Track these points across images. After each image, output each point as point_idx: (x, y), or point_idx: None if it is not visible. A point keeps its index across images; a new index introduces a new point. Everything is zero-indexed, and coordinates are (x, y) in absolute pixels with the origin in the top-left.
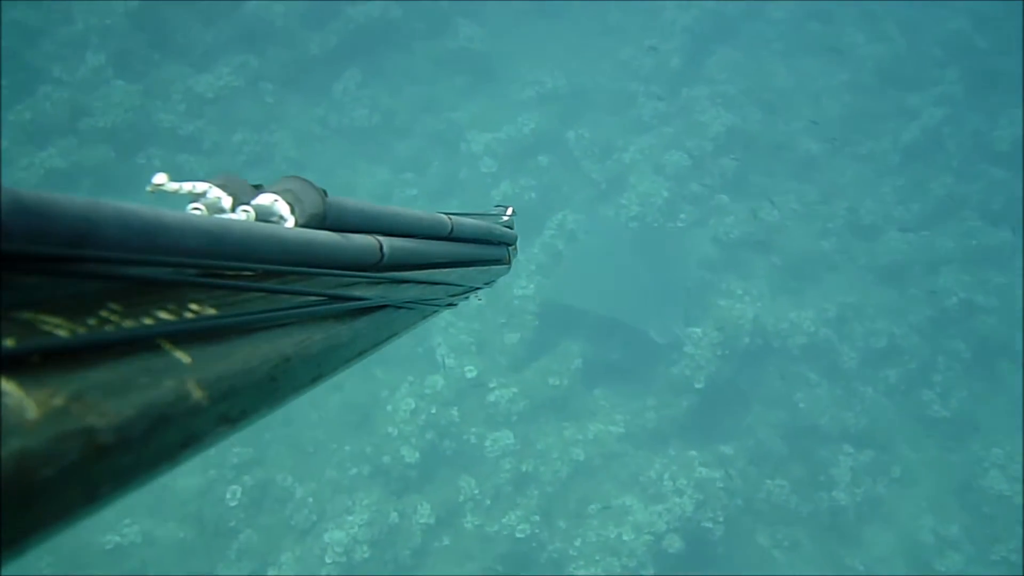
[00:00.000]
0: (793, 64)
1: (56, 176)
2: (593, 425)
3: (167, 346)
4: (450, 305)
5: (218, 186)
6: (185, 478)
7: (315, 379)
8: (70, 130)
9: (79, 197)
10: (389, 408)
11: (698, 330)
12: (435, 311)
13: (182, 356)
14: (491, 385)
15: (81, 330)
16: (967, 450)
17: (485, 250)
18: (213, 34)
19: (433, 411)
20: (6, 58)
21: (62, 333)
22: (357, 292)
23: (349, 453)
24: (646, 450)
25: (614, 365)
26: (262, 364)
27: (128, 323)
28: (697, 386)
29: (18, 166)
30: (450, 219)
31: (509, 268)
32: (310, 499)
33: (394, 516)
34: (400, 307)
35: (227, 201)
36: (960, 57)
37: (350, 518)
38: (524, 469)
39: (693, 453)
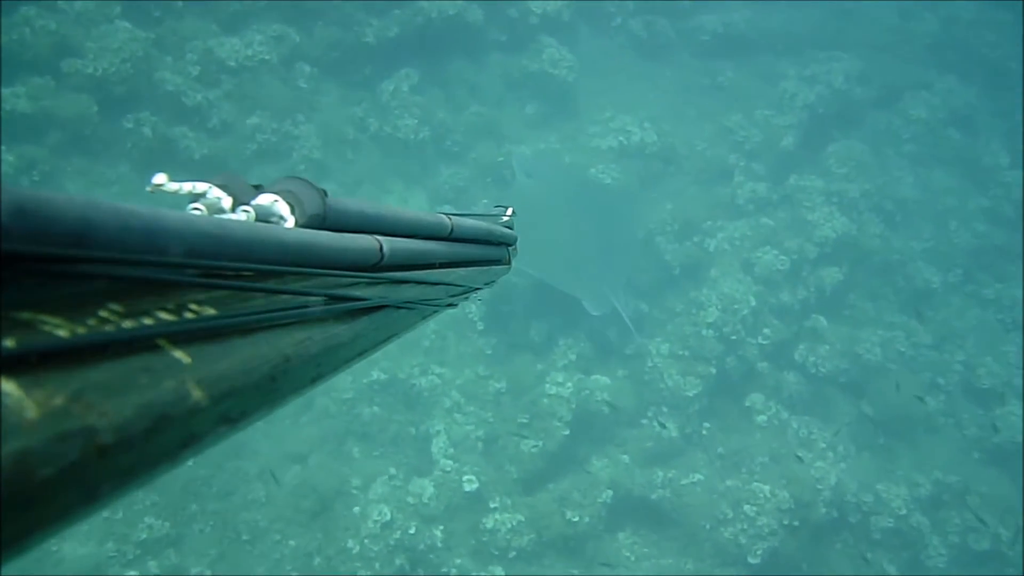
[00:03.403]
0: (923, 174)
1: (16, 121)
2: None
3: (167, 346)
4: (450, 305)
5: (218, 186)
6: (75, 544)
7: (315, 379)
8: (49, 69)
9: (78, 197)
10: (356, 510)
11: (766, 487)
12: (435, 311)
13: (182, 356)
14: (492, 505)
15: (81, 330)
16: None
17: (485, 250)
18: None
19: (412, 530)
20: None
21: (62, 333)
22: (357, 292)
23: (292, 553)
24: None
25: (652, 505)
26: (262, 364)
27: (128, 323)
28: (751, 560)
29: None
30: (450, 219)
31: (509, 268)
32: None
33: None
34: (400, 307)
35: (227, 201)
36: None
37: None
38: None
39: None
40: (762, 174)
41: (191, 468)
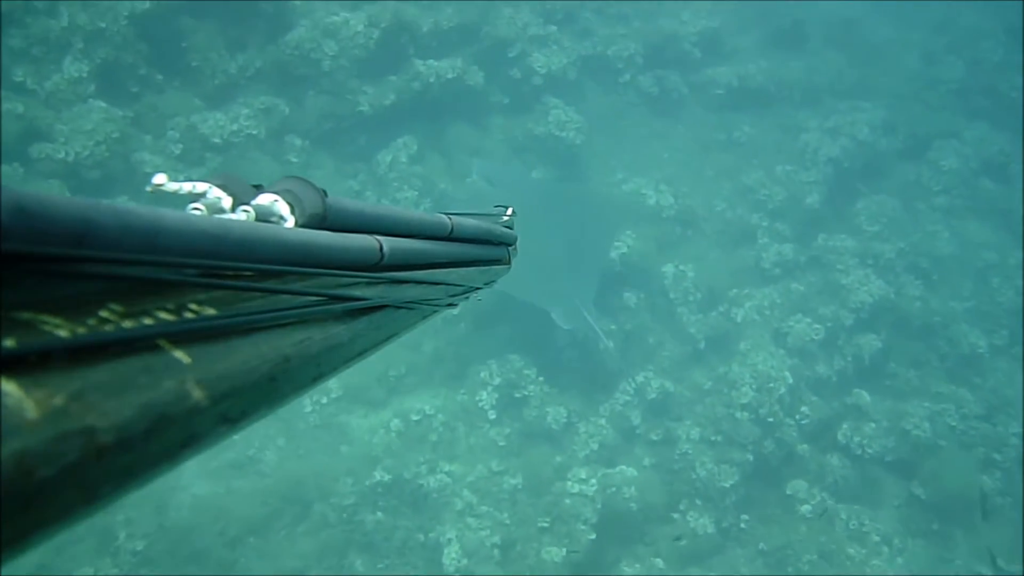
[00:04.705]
0: (958, 227)
1: None
2: None
3: (167, 346)
4: (450, 305)
5: (218, 186)
6: None
7: (315, 379)
8: (17, 155)
9: (78, 197)
10: None
11: None
12: (435, 311)
13: (182, 356)
14: None
15: (81, 330)
16: None
17: (485, 250)
18: (240, 63)
19: None
20: None
21: (62, 333)
22: (357, 292)
23: None
24: None
25: None
26: (262, 364)
27: (128, 323)
28: None
29: None
30: (450, 219)
31: (509, 268)
32: None
33: None
34: (400, 307)
35: (227, 201)
36: None
37: None
38: None
39: None
40: (788, 235)
41: None
